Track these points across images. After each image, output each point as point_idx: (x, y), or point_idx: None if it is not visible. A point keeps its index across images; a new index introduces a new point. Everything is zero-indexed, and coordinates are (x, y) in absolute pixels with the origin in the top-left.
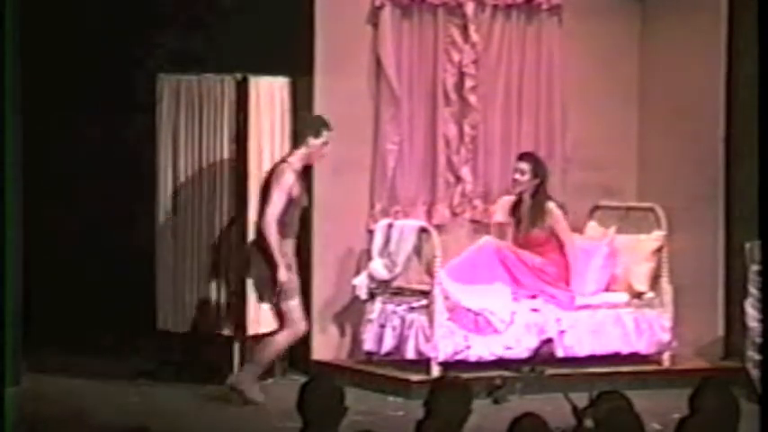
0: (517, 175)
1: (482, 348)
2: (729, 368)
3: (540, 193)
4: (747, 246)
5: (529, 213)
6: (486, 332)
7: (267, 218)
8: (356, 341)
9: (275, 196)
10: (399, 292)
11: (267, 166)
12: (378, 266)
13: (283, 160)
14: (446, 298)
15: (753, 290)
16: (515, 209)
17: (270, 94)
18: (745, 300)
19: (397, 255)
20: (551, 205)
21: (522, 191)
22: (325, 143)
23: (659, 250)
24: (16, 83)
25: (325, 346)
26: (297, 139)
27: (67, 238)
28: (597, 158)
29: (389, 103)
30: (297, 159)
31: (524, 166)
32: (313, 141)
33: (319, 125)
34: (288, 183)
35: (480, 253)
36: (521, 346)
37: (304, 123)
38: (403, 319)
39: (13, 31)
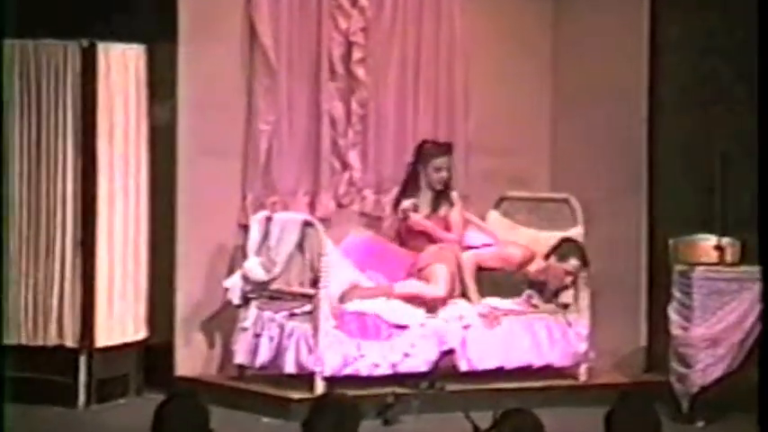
0: (443, 174)
1: (376, 356)
2: (652, 382)
3: (448, 183)
4: (671, 243)
5: (431, 203)
6: (380, 337)
7: None
8: (227, 353)
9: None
10: (278, 296)
11: (120, 149)
12: (254, 266)
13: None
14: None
15: (677, 293)
16: (402, 196)
17: (122, 64)
18: (669, 304)
19: (276, 253)
20: (455, 195)
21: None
22: (571, 273)
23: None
24: None
25: (190, 360)
26: (551, 255)
27: None
28: (504, 143)
29: (265, 76)
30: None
31: (449, 160)
32: (555, 263)
33: (575, 251)
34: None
35: (349, 250)
36: (418, 356)
37: (562, 247)
38: (282, 328)
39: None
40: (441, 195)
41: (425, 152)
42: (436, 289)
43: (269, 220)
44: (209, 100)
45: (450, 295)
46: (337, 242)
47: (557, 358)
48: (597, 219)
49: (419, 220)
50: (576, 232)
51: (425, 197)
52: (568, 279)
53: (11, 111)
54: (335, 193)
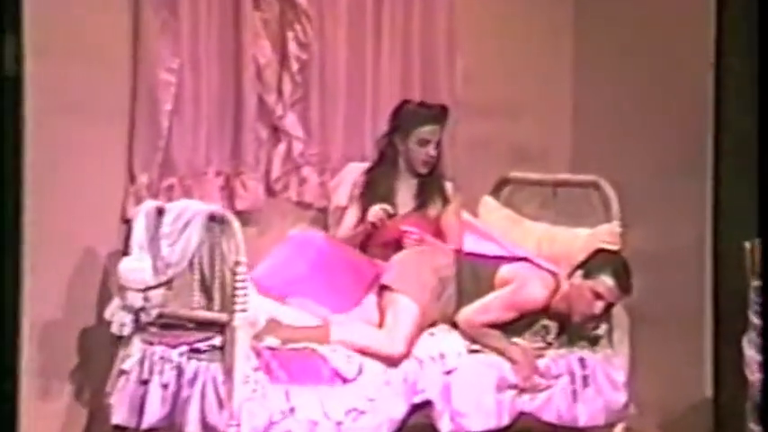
0: (430, 150)
1: (314, 410)
2: None
3: (437, 167)
4: (748, 246)
5: (415, 196)
6: (320, 382)
7: None
8: (99, 408)
9: None
10: (174, 323)
11: None
12: (136, 265)
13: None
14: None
15: (756, 319)
16: (372, 185)
17: None
18: (744, 336)
19: (170, 258)
20: (450, 187)
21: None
22: (602, 297)
23: None
24: None
25: (43, 419)
26: (575, 272)
27: None
28: (505, 103)
29: (160, 5)
30: None
31: (440, 131)
32: (579, 282)
33: (610, 266)
34: None
35: (290, 255)
36: (378, 412)
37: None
38: (180, 370)
39: None
40: (429, 185)
41: (406, 117)
42: (391, 344)
43: (160, 212)
44: (74, 39)
45: (412, 344)
46: (266, 245)
47: (582, 414)
48: (638, 212)
49: (423, 235)
50: (610, 230)
51: (407, 186)
52: (599, 306)
53: None
54: (264, 175)
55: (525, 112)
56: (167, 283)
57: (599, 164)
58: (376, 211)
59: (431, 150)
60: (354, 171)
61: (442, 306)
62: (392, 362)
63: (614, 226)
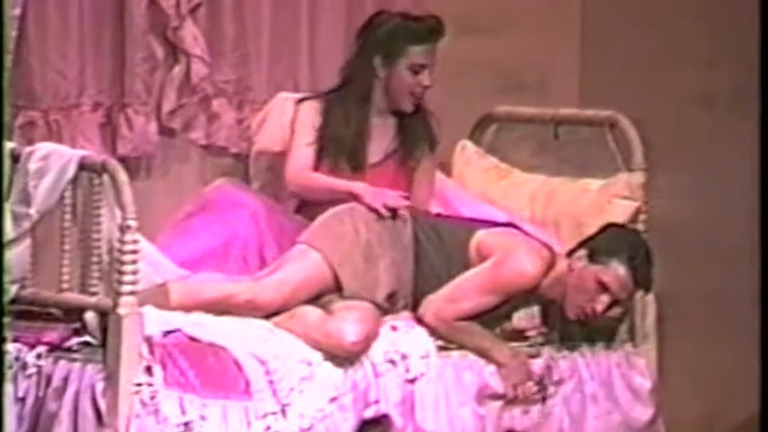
0: (425, 77)
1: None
2: None
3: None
4: None
5: (394, 138)
6: (233, 392)
7: None
8: None
9: None
10: (36, 310)
11: None
12: None
13: None
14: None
15: None
16: (333, 125)
17: None
18: None
19: (32, 198)
20: (436, 126)
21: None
22: (607, 289)
23: (631, 214)
24: None
25: None
26: (576, 251)
27: None
28: (490, 13)
29: None
30: None
31: (434, 51)
32: (581, 264)
33: (625, 248)
34: None
35: (209, 221)
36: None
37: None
38: (40, 378)
39: None
40: (413, 126)
41: (388, 33)
42: (255, 288)
43: (16, 159)
44: None
45: (287, 305)
46: (165, 204)
47: None
48: (667, 160)
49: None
50: (629, 182)
51: (383, 128)
52: (602, 301)
53: None
54: (156, 107)
55: (517, 25)
56: (31, 233)
57: (615, 95)
58: (393, 198)
59: (425, 79)
60: (285, 104)
61: (386, 274)
62: (256, 308)
63: (636, 176)
